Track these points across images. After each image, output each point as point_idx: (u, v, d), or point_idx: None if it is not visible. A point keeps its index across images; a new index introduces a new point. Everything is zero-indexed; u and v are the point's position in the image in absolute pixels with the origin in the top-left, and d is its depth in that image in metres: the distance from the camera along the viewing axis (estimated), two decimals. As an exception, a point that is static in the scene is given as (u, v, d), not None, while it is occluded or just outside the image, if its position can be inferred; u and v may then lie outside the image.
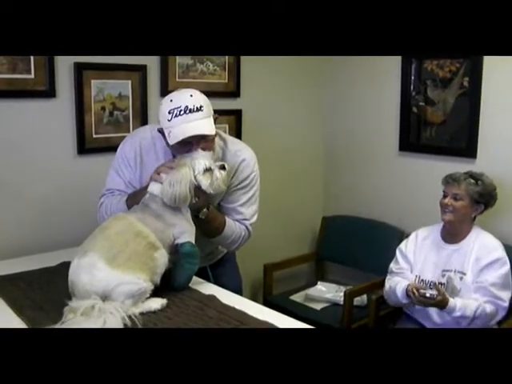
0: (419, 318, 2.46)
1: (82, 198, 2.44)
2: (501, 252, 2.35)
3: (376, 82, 3.23)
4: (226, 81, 2.95)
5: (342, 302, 2.84)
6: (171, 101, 1.75)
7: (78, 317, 1.47)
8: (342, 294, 2.89)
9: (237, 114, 3.02)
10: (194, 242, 1.75)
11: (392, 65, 3.08)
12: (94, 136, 2.51)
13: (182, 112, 1.71)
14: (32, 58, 2.28)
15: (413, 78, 3.03)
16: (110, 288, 1.56)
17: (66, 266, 1.67)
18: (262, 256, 3.20)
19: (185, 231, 1.74)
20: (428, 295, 2.21)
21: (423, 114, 3.03)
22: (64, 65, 2.38)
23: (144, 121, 2.63)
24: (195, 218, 1.81)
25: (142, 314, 1.58)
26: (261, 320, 1.59)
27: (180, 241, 1.73)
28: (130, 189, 1.94)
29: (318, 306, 3.01)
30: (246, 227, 1.98)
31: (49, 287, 1.81)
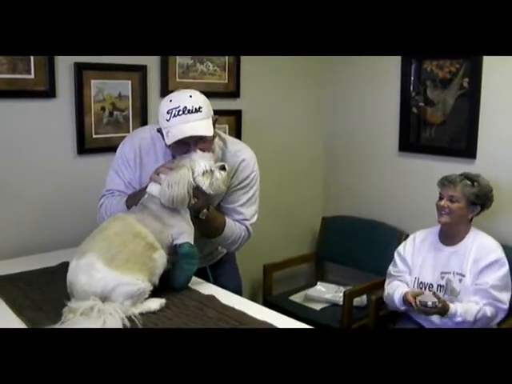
0: (419, 319, 2.45)
1: (82, 198, 2.44)
2: (499, 253, 2.34)
3: (376, 83, 3.23)
4: (226, 81, 2.95)
5: (341, 303, 2.84)
6: (170, 101, 1.75)
7: (78, 317, 1.47)
8: (341, 294, 2.89)
9: (237, 115, 3.02)
10: (192, 242, 1.75)
11: (392, 65, 3.08)
12: (94, 136, 2.51)
13: (180, 112, 1.71)
14: (32, 58, 2.28)
15: (412, 78, 3.03)
16: (109, 289, 1.56)
17: (65, 266, 1.67)
18: (262, 256, 3.20)
19: (183, 232, 1.74)
20: (430, 304, 2.20)
21: (423, 115, 3.03)
22: (64, 65, 2.38)
23: (144, 121, 2.63)
24: (195, 218, 1.81)
25: (141, 314, 1.58)
26: (260, 320, 1.59)
27: (179, 241, 1.73)
28: (129, 189, 1.94)
29: (318, 307, 3.01)
30: (246, 227, 1.98)
31: (48, 287, 1.81)
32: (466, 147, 2.84)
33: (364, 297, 2.96)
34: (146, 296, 1.64)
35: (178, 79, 2.74)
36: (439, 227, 2.47)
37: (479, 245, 2.36)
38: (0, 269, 1.99)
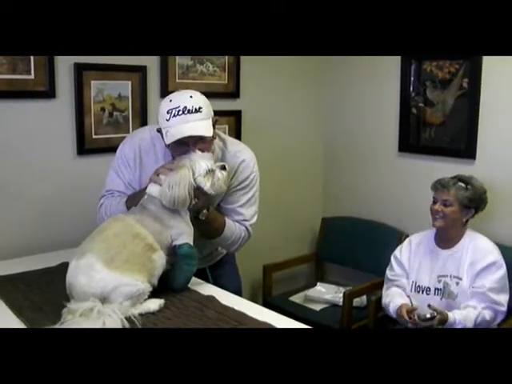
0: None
1: (82, 199, 2.44)
2: (496, 255, 2.32)
3: (376, 83, 3.23)
4: (226, 82, 2.95)
5: (341, 303, 2.84)
6: (171, 101, 1.75)
7: (77, 318, 1.47)
8: (341, 294, 2.89)
9: (236, 115, 3.02)
10: (192, 243, 1.75)
11: (392, 65, 3.08)
12: (94, 137, 2.51)
13: (180, 112, 1.71)
14: (32, 58, 2.28)
15: (412, 79, 3.03)
16: (108, 289, 1.56)
17: (65, 266, 1.66)
18: (262, 257, 3.20)
19: (183, 233, 1.74)
20: (428, 316, 2.19)
21: (423, 115, 3.03)
22: (64, 65, 2.38)
23: (144, 122, 2.63)
24: (195, 219, 1.81)
25: (140, 315, 1.58)
26: (260, 321, 1.58)
27: (178, 242, 1.72)
28: (129, 190, 1.94)
29: (318, 307, 3.01)
30: (246, 228, 1.98)
31: (48, 288, 1.81)
32: (465, 148, 2.85)
33: (364, 297, 2.96)
34: (146, 297, 1.64)
35: (177, 80, 2.74)
36: (435, 230, 2.46)
37: (475, 247, 2.35)
38: (0, 269, 1.99)
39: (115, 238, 1.64)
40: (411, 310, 2.28)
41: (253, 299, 3.04)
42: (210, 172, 1.72)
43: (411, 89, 3.05)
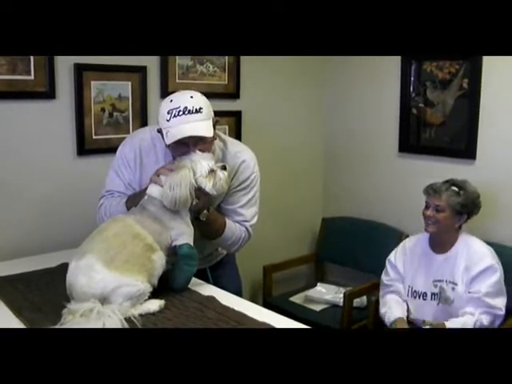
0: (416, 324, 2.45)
1: (82, 199, 2.44)
2: (491, 259, 2.30)
3: (376, 83, 3.23)
4: (226, 82, 2.95)
5: (341, 304, 2.84)
6: (171, 101, 1.75)
7: (77, 319, 1.47)
8: (341, 295, 2.89)
9: (236, 115, 3.02)
10: (192, 243, 1.74)
11: (392, 66, 3.08)
12: (94, 137, 2.51)
13: (180, 112, 1.70)
14: (32, 58, 2.28)
15: (412, 79, 3.04)
16: (108, 290, 1.56)
17: (65, 267, 1.66)
18: (262, 257, 3.20)
19: (183, 233, 1.73)
20: (427, 327, 2.19)
21: (423, 116, 3.03)
22: (64, 66, 2.39)
23: (144, 122, 2.63)
24: (195, 219, 1.80)
25: (140, 315, 1.58)
26: (260, 321, 1.58)
27: (178, 242, 1.72)
28: (129, 190, 1.94)
29: (318, 308, 3.01)
30: (246, 229, 1.98)
31: (48, 288, 1.81)
32: (465, 148, 2.85)
33: (364, 298, 2.96)
34: (146, 297, 1.64)
35: (177, 80, 2.74)
36: (429, 234, 2.45)
37: (469, 252, 2.33)
38: (-1, 270, 2.00)
39: (115, 239, 1.64)
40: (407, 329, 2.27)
41: (253, 300, 3.04)
42: (212, 172, 1.72)
43: (411, 89, 3.05)
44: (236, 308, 1.68)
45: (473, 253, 2.32)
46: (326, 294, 3.10)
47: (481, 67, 2.73)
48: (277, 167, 3.24)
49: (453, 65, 2.86)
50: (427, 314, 2.39)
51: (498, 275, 2.27)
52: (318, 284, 3.23)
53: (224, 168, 1.77)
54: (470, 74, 2.78)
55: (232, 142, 2.00)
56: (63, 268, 1.71)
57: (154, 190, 1.73)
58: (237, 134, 2.98)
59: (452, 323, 2.22)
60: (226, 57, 2.93)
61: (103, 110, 2.53)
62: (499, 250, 2.63)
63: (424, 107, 3.01)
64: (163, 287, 1.72)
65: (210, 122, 1.78)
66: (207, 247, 2.02)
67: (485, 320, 2.23)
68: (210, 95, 1.88)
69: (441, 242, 2.40)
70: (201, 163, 1.71)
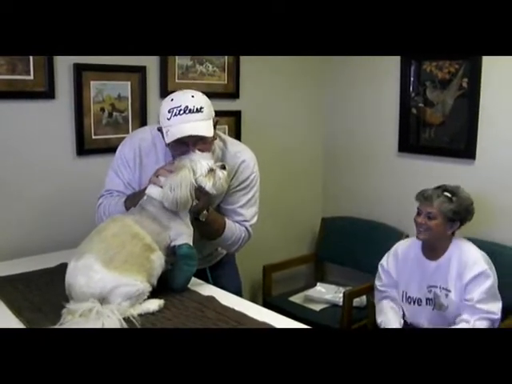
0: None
1: (82, 199, 2.44)
2: (483, 264, 2.25)
3: (375, 83, 3.23)
4: (226, 82, 2.95)
5: (341, 303, 2.84)
6: (172, 100, 1.75)
7: (77, 319, 1.47)
8: (341, 295, 2.89)
9: (236, 115, 3.02)
10: (191, 243, 1.74)
11: (391, 66, 3.09)
12: (94, 137, 2.51)
13: (181, 112, 1.70)
14: (31, 58, 2.28)
15: (412, 79, 3.04)
16: (107, 290, 1.56)
17: (64, 267, 1.66)
18: (262, 257, 3.20)
19: (182, 233, 1.73)
20: None
21: (422, 115, 3.03)
22: (63, 66, 2.38)
23: (143, 122, 2.63)
24: (195, 220, 1.80)
25: (140, 315, 1.58)
26: (260, 321, 1.58)
27: (177, 243, 1.72)
28: (128, 190, 1.93)
29: (318, 307, 3.01)
30: (246, 228, 1.98)
31: (47, 289, 1.81)
32: (465, 148, 2.85)
33: (364, 297, 2.96)
34: (145, 297, 1.64)
35: (177, 80, 2.74)
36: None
37: (461, 258, 2.28)
38: (-1, 270, 2.00)
39: (114, 239, 1.64)
40: None
41: (253, 299, 3.04)
42: (211, 171, 1.72)
43: (411, 89, 3.05)
44: (236, 308, 1.68)
45: (465, 259, 2.27)
46: (326, 293, 3.10)
47: (480, 67, 2.73)
48: (276, 167, 3.24)
49: (452, 65, 2.86)
50: (423, 319, 2.38)
51: (491, 280, 2.23)
52: (318, 284, 3.24)
53: (223, 167, 1.77)
54: (470, 74, 2.79)
55: (232, 142, 2.00)
56: (62, 268, 1.71)
57: (153, 191, 1.73)
58: (236, 134, 2.98)
59: None
60: (226, 57, 2.93)
61: (103, 109, 2.53)
62: (499, 249, 2.64)
63: (424, 107, 3.01)
64: (163, 287, 1.72)
65: (211, 122, 1.78)
66: (207, 247, 2.02)
67: (481, 326, 2.20)
68: (209, 95, 1.88)
69: (433, 249, 2.36)
70: (200, 163, 1.71)
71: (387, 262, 2.50)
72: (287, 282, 3.37)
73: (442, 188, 2.33)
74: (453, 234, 2.35)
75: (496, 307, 2.23)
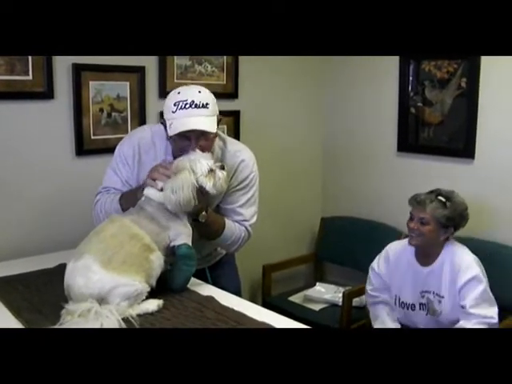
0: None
1: (81, 200, 2.43)
2: (475, 269, 2.20)
3: (375, 83, 3.23)
4: (225, 82, 2.95)
5: (340, 303, 2.85)
6: (179, 93, 1.75)
7: (76, 319, 1.47)
8: (340, 294, 2.90)
9: (235, 115, 3.01)
10: (190, 243, 1.74)
11: (390, 65, 3.09)
12: (92, 137, 2.51)
13: (187, 105, 1.71)
14: (30, 59, 2.28)
15: (411, 78, 3.04)
16: (106, 290, 1.56)
17: (63, 267, 1.66)
18: (261, 257, 3.20)
19: (181, 233, 1.73)
20: None
21: (421, 115, 3.03)
22: (62, 66, 2.38)
23: (142, 122, 2.63)
24: (194, 221, 1.80)
25: (139, 315, 1.58)
26: (259, 321, 1.58)
27: (176, 243, 1.72)
28: (126, 187, 1.93)
29: (317, 307, 3.01)
30: (246, 228, 1.98)
31: (46, 289, 1.81)
32: (464, 147, 2.85)
33: (363, 297, 2.94)
34: (144, 297, 1.63)
35: (176, 80, 2.74)
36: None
37: (454, 263, 2.24)
38: (-2, 270, 1.99)
39: (112, 239, 1.63)
40: None
41: (252, 299, 3.04)
42: (211, 172, 1.72)
43: (410, 88, 3.05)
44: (235, 308, 1.68)
45: (458, 264, 2.23)
46: (325, 293, 3.10)
47: (479, 66, 2.73)
48: (276, 167, 3.24)
49: (451, 64, 2.86)
50: (418, 324, 2.37)
51: (483, 286, 2.19)
52: (317, 283, 3.24)
53: (222, 168, 1.77)
54: (469, 74, 2.79)
55: (231, 142, 2.00)
56: (61, 268, 1.71)
57: (151, 192, 1.72)
58: (235, 134, 2.98)
59: None
60: (225, 57, 2.93)
61: (101, 110, 2.52)
62: (499, 249, 2.65)
63: (422, 106, 3.02)
64: (162, 287, 1.72)
65: (215, 119, 1.78)
66: (206, 247, 2.02)
67: None
68: (208, 95, 1.89)
69: (425, 255, 2.31)
70: (200, 162, 1.71)
71: (378, 264, 2.45)
72: (287, 281, 3.37)
73: (436, 192, 2.28)
74: (447, 239, 2.30)
75: (492, 311, 2.19)
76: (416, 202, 2.27)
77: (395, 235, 3.03)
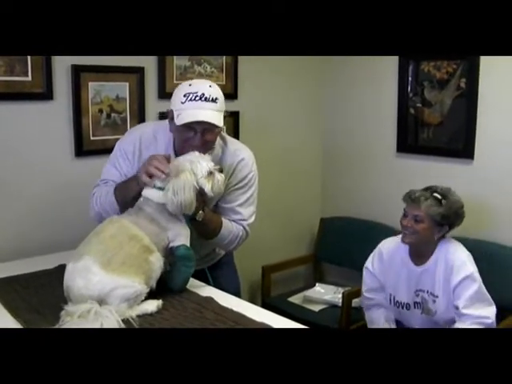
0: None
1: (80, 201, 2.42)
2: (469, 268, 2.16)
3: (374, 84, 3.23)
4: (224, 82, 2.95)
5: (340, 304, 2.84)
6: (190, 85, 1.77)
7: (75, 320, 1.47)
8: (340, 295, 2.90)
9: (234, 116, 3.01)
10: (188, 244, 1.74)
11: (390, 66, 3.09)
12: (92, 138, 2.51)
13: (197, 98, 1.73)
14: (29, 60, 2.28)
15: (410, 79, 3.04)
16: (105, 292, 1.56)
17: (63, 268, 1.66)
18: (260, 258, 3.20)
19: (180, 234, 1.73)
20: None
21: (420, 116, 3.03)
22: (61, 67, 2.38)
23: (141, 123, 2.62)
24: (191, 220, 1.80)
25: (138, 316, 1.58)
26: (258, 322, 1.58)
27: (175, 244, 1.72)
28: None
29: (316, 308, 3.01)
30: (244, 227, 1.98)
31: (45, 290, 1.81)
32: (463, 148, 2.85)
33: (362, 298, 2.96)
34: (143, 298, 1.63)
35: (175, 81, 2.74)
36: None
37: (447, 262, 2.20)
38: (-3, 271, 1.99)
39: (111, 240, 1.63)
40: None
41: (252, 300, 3.04)
42: (210, 174, 1.72)
43: (409, 89, 3.05)
44: (234, 309, 1.68)
45: (451, 262, 2.19)
46: (325, 294, 3.10)
47: (478, 67, 2.73)
48: (275, 168, 3.24)
49: (450, 65, 2.86)
50: (413, 324, 2.35)
51: (477, 285, 2.15)
52: (317, 284, 3.24)
53: (221, 171, 1.78)
54: (468, 74, 2.79)
55: (231, 141, 2.01)
56: (61, 269, 1.71)
57: (150, 193, 1.72)
58: (235, 135, 2.98)
59: None
60: (224, 57, 2.93)
61: (101, 111, 2.52)
62: (498, 250, 2.65)
63: (422, 107, 3.02)
64: (161, 288, 1.72)
65: (222, 115, 1.80)
66: (205, 247, 2.02)
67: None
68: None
69: (419, 253, 2.27)
70: (201, 164, 1.71)
71: (372, 264, 2.42)
72: (286, 282, 3.37)
73: (432, 189, 2.22)
74: (441, 237, 2.26)
75: (487, 311, 2.15)
76: (410, 198, 2.21)
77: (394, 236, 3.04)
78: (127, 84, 2.58)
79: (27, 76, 2.29)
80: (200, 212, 1.80)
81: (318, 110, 3.50)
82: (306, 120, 3.45)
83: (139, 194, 1.75)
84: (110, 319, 1.46)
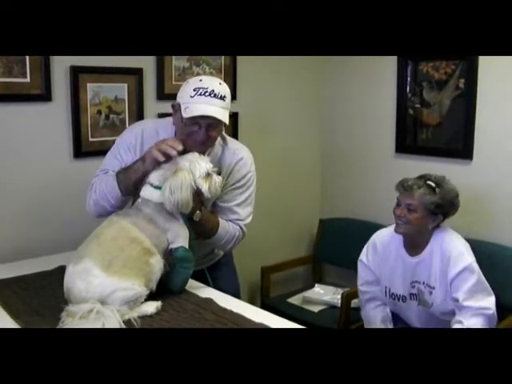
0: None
1: (79, 202, 2.41)
2: (467, 258, 2.11)
3: (373, 84, 3.23)
4: (223, 83, 2.95)
5: (339, 305, 2.84)
6: (200, 80, 1.80)
7: (76, 320, 1.47)
8: (339, 296, 2.89)
9: (233, 117, 3.01)
10: (187, 246, 1.74)
11: (388, 67, 3.09)
12: (91, 139, 2.51)
13: (207, 93, 1.75)
14: (28, 61, 2.28)
15: (409, 79, 3.04)
16: (106, 294, 1.56)
17: (62, 270, 1.66)
18: (259, 258, 3.20)
19: (179, 235, 1.73)
20: None
21: (419, 116, 3.03)
22: (60, 68, 2.38)
23: (141, 123, 2.63)
24: (189, 220, 1.80)
25: (138, 317, 1.58)
26: (258, 323, 1.58)
27: (174, 245, 1.72)
28: None
29: (316, 309, 3.00)
30: (240, 227, 1.99)
31: (45, 291, 1.80)
32: (462, 148, 2.85)
33: (362, 298, 2.96)
34: (142, 300, 1.63)
35: (174, 82, 2.74)
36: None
37: (444, 253, 2.14)
38: (-4, 273, 1.99)
39: (112, 243, 1.63)
40: None
41: (251, 301, 3.04)
42: (208, 175, 1.73)
43: (408, 90, 3.05)
44: (234, 310, 1.68)
45: (448, 253, 2.13)
46: (324, 295, 3.10)
47: (477, 67, 2.73)
48: (274, 168, 3.23)
49: (449, 65, 2.86)
50: (410, 316, 2.34)
51: (476, 276, 2.10)
52: (316, 285, 3.23)
53: (219, 173, 1.79)
54: (467, 74, 2.79)
55: (231, 140, 2.03)
56: (61, 271, 1.71)
57: (148, 194, 1.72)
58: (233, 136, 2.97)
59: None
60: (222, 58, 2.93)
61: (99, 112, 2.52)
62: (498, 250, 2.64)
63: (420, 108, 3.02)
64: (161, 289, 1.72)
65: (228, 113, 1.82)
66: (203, 248, 2.02)
67: (477, 323, 2.08)
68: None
69: (413, 244, 2.21)
70: (199, 164, 1.72)
71: (367, 256, 2.38)
72: (285, 283, 3.36)
73: (425, 178, 2.16)
74: (436, 226, 2.20)
75: (487, 302, 2.11)
76: (403, 187, 2.15)
77: (394, 236, 3.04)
78: (126, 85, 2.58)
79: (26, 77, 2.28)
80: (197, 212, 1.81)
81: (316, 111, 3.50)
82: (304, 121, 3.45)
83: (141, 181, 1.76)
84: (112, 319, 1.46)
